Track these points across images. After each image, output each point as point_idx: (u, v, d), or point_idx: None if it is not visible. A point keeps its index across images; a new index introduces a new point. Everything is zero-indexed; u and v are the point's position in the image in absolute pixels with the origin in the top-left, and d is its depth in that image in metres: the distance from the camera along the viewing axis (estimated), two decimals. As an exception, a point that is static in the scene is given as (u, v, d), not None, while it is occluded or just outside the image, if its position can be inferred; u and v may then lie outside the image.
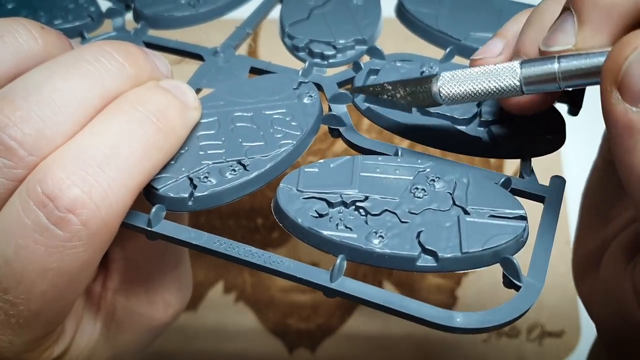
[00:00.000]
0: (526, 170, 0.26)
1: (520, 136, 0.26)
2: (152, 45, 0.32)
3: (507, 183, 0.25)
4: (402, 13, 0.33)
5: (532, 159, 0.26)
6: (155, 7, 0.33)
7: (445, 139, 0.27)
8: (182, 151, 0.25)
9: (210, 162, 0.25)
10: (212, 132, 0.26)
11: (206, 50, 0.31)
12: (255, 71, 0.30)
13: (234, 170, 0.24)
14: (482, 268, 0.22)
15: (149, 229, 0.23)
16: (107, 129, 0.23)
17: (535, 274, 0.22)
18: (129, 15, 0.34)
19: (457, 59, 0.31)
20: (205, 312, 0.48)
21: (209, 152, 0.25)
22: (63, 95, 0.23)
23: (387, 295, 0.22)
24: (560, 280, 0.48)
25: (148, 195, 0.24)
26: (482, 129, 0.27)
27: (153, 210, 0.23)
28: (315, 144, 0.29)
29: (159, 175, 0.24)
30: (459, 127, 0.27)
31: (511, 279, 0.22)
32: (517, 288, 0.22)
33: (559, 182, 0.25)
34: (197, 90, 0.29)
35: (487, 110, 0.27)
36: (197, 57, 0.31)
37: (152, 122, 0.23)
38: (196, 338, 0.47)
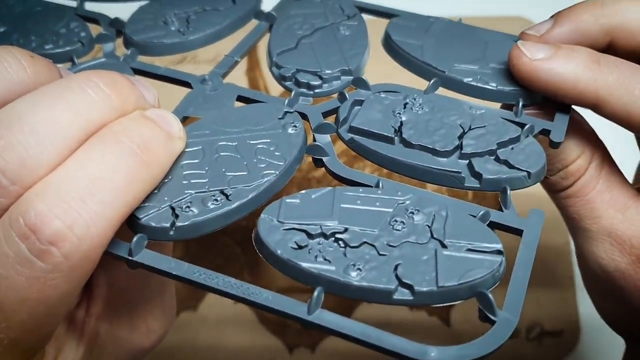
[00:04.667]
0: (505, 203, 0.26)
1: (501, 170, 0.26)
2: (140, 72, 0.32)
3: (485, 216, 0.25)
4: (388, 44, 0.34)
5: None
6: (145, 33, 0.34)
7: (426, 172, 0.27)
8: (166, 180, 0.25)
9: (193, 192, 0.25)
10: (196, 161, 0.26)
11: (194, 78, 0.32)
12: (242, 99, 0.31)
13: (217, 200, 0.25)
14: (459, 302, 0.23)
15: (130, 258, 0.24)
16: (90, 160, 0.23)
17: (511, 308, 0.22)
18: (120, 41, 0.35)
19: (442, 90, 0.31)
20: (206, 312, 0.49)
21: (192, 181, 0.25)
22: (47, 126, 0.23)
23: (364, 329, 0.22)
24: (559, 280, 0.50)
25: (130, 224, 0.24)
26: (462, 161, 0.27)
27: (134, 239, 0.24)
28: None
29: (142, 205, 0.24)
30: (440, 160, 0.27)
31: (486, 313, 0.22)
32: (492, 322, 0.22)
33: (537, 216, 0.25)
34: (184, 118, 0.29)
35: (469, 143, 0.27)
36: (185, 84, 0.32)
37: (136, 154, 0.24)
38: (196, 338, 0.48)
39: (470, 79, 0.31)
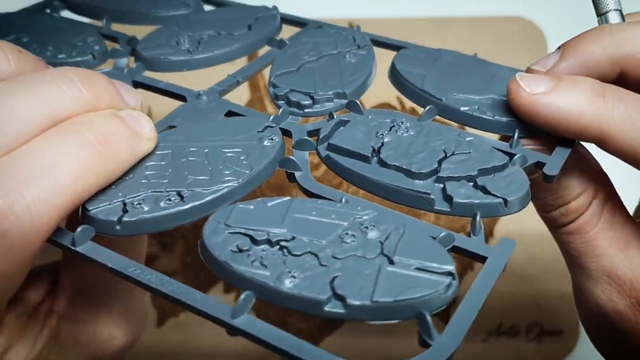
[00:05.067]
0: (474, 229, 0.24)
1: (474, 195, 0.25)
2: (141, 85, 0.33)
3: (447, 239, 0.23)
4: (393, 74, 0.33)
5: None
6: (154, 50, 0.34)
7: (395, 192, 0.25)
8: (127, 178, 0.25)
9: (149, 190, 0.25)
10: (162, 163, 0.26)
11: (190, 93, 0.32)
12: (232, 114, 0.31)
13: (170, 199, 0.24)
14: (399, 321, 0.21)
15: (72, 247, 0.23)
16: (44, 146, 0.23)
17: (452, 333, 0.20)
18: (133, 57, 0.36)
19: (439, 119, 0.30)
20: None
21: (152, 180, 0.25)
22: (10, 111, 0.23)
23: (292, 340, 0.20)
24: (558, 280, 0.50)
25: (81, 215, 0.24)
26: (438, 185, 0.25)
27: (79, 229, 0.24)
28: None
29: (95, 197, 0.24)
30: (414, 182, 0.26)
31: (422, 336, 0.20)
32: (427, 345, 0.20)
33: (506, 245, 0.23)
34: (170, 127, 0.30)
35: (448, 167, 0.26)
36: (181, 98, 0.32)
37: (93, 146, 0.24)
38: (196, 337, 0.47)
39: (466, 108, 0.29)
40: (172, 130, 0.28)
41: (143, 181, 0.25)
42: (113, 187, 0.25)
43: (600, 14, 0.30)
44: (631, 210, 0.32)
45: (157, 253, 0.47)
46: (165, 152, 0.27)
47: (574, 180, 0.29)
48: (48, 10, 0.40)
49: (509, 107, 0.29)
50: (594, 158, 0.30)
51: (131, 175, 0.25)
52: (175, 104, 0.31)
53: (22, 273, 0.23)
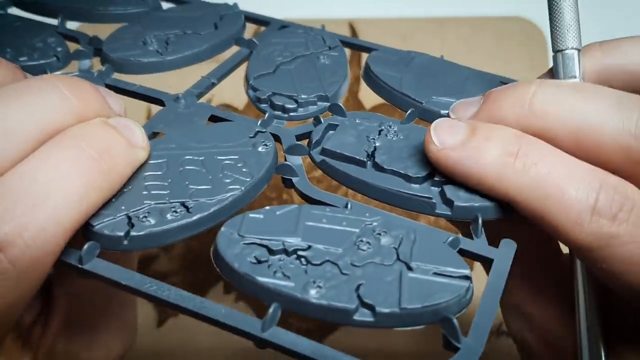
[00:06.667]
0: (476, 231, 0.25)
1: (473, 198, 0.26)
2: (114, 88, 0.32)
3: (455, 243, 0.24)
4: (368, 75, 0.33)
5: None
6: (122, 51, 0.33)
7: (396, 197, 0.26)
8: (125, 190, 0.24)
9: (152, 202, 0.24)
10: (159, 173, 0.25)
11: (167, 96, 0.31)
12: (215, 119, 0.30)
13: (176, 211, 0.24)
14: (422, 326, 0.22)
15: (80, 266, 0.22)
16: (45, 164, 0.22)
17: (476, 336, 0.21)
18: (97, 59, 0.34)
19: (419, 122, 0.31)
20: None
21: (152, 192, 0.25)
22: (0, 128, 0.22)
23: (320, 349, 0.21)
24: None
25: (84, 231, 0.23)
26: (435, 188, 0.26)
27: (85, 247, 0.23)
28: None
29: (98, 212, 0.23)
30: (412, 185, 0.26)
31: (450, 339, 0.21)
32: (456, 350, 0.21)
33: (508, 246, 0.24)
34: (153, 134, 0.29)
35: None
36: (158, 102, 0.31)
37: (94, 160, 0.23)
38: (196, 337, 0.47)
39: (446, 111, 0.30)
40: (162, 138, 0.28)
41: (144, 193, 0.24)
42: (113, 200, 0.24)
43: (557, 50, 0.28)
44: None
45: (157, 253, 0.46)
46: (160, 161, 0.26)
47: None
48: (-6, 7, 0.38)
49: None
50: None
51: (130, 187, 0.25)
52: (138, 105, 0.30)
53: (29, 299, 0.22)
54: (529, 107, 0.25)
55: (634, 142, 0.24)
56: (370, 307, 0.21)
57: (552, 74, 0.29)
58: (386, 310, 0.21)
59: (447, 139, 0.25)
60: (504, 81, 0.32)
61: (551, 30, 0.28)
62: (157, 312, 0.47)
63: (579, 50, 0.28)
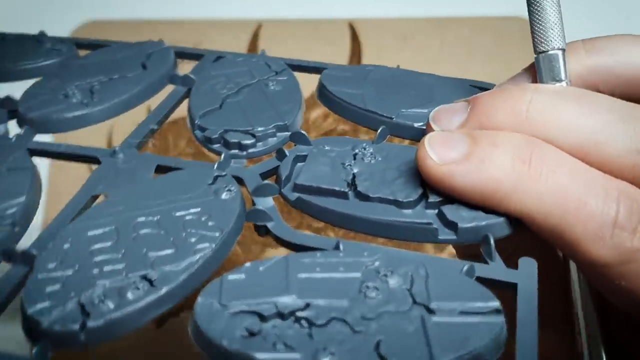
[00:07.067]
0: (489, 254, 0.22)
1: (478, 216, 0.22)
2: (38, 152, 0.27)
3: (471, 271, 0.21)
4: (324, 95, 0.30)
5: None
6: (41, 108, 0.29)
7: (391, 227, 0.22)
8: (70, 272, 0.20)
9: (107, 281, 0.20)
10: (109, 243, 0.21)
11: (102, 152, 0.27)
12: (163, 169, 0.26)
13: (137, 287, 0.20)
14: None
15: (30, 376, 0.18)
16: None
17: None
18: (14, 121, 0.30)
19: (391, 139, 0.27)
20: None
21: (105, 268, 0.20)
22: None
23: None
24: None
25: (29, 331, 0.19)
26: (431, 211, 0.23)
27: (34, 350, 0.18)
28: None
29: (42, 305, 0.19)
30: (405, 212, 0.23)
31: None
32: None
33: (528, 265, 0.21)
34: (94, 198, 0.24)
35: (434, 191, 0.23)
36: (93, 160, 0.27)
37: None
38: None
39: (421, 124, 0.27)
40: (105, 202, 0.23)
41: (95, 271, 0.20)
42: (57, 285, 0.20)
43: (540, 51, 0.25)
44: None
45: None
46: (107, 229, 0.22)
47: None
48: None
49: None
50: None
51: (76, 267, 0.20)
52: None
53: None
54: (527, 116, 0.23)
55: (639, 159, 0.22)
56: (398, 369, 0.17)
57: (528, 74, 0.26)
58: (418, 369, 0.17)
59: (447, 153, 0.22)
60: (474, 85, 0.30)
61: (532, 30, 0.25)
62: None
63: (563, 51, 0.25)
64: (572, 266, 0.28)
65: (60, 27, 0.65)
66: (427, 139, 0.23)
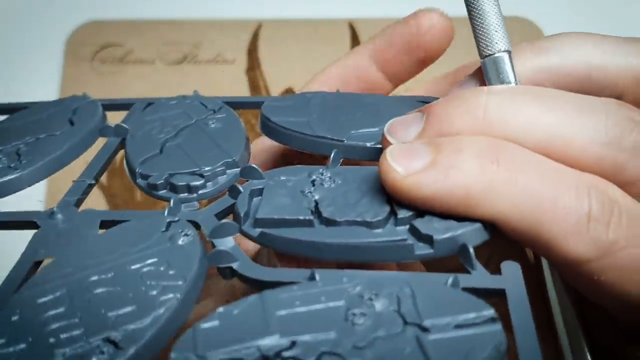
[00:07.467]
0: (469, 262, 0.21)
1: (451, 226, 0.21)
2: (-33, 223, 0.25)
3: (456, 283, 0.20)
4: (268, 127, 0.29)
5: None
6: (-36, 179, 0.26)
7: (364, 250, 0.21)
8: (24, 345, 0.18)
9: (66, 350, 0.18)
10: (62, 309, 0.19)
11: (39, 215, 0.24)
12: (107, 225, 0.24)
13: (102, 351, 0.17)
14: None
15: None
16: None
17: None
18: None
19: (345, 162, 0.26)
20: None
21: (62, 336, 0.18)
22: None
23: None
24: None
25: None
26: (401, 228, 0.22)
27: None
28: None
29: None
30: (376, 231, 0.21)
31: None
32: None
33: (513, 268, 0.20)
34: (36, 264, 0.22)
35: (401, 206, 0.22)
36: (30, 225, 0.24)
37: None
38: None
39: (373, 142, 0.26)
40: (49, 265, 0.21)
41: (50, 340, 0.18)
42: (10, 363, 0.17)
43: (485, 55, 0.25)
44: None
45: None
46: (58, 293, 0.20)
47: None
48: None
49: None
50: None
51: (30, 339, 0.18)
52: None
53: None
54: (484, 117, 0.22)
55: (604, 151, 0.21)
56: (405, 396, 0.16)
57: (475, 79, 0.26)
58: (425, 393, 0.16)
59: (411, 163, 0.21)
60: (422, 100, 0.29)
61: (475, 35, 0.25)
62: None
63: (509, 53, 0.25)
64: (546, 270, 0.27)
65: (60, 27, 0.63)
66: (388, 153, 0.22)
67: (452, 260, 0.22)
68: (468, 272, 0.20)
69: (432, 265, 0.28)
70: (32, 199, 0.26)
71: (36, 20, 0.64)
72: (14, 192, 0.26)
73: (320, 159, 0.30)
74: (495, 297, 0.20)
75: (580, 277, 0.21)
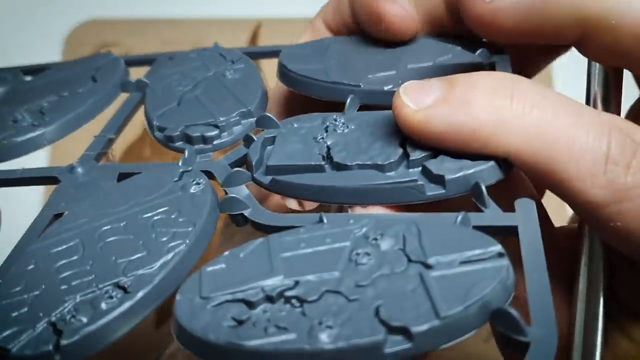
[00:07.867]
0: (482, 201, 0.20)
1: (464, 165, 0.21)
2: (-7, 181, 0.25)
3: (465, 220, 0.19)
4: (285, 75, 0.28)
5: None
6: (-11, 137, 0.27)
7: (375, 192, 0.21)
8: (37, 292, 0.18)
9: (77, 296, 0.18)
10: (75, 257, 0.20)
11: (60, 170, 0.25)
12: (125, 177, 0.24)
13: (111, 297, 0.18)
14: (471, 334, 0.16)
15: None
16: None
17: (541, 321, 0.16)
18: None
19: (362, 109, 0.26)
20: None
21: (73, 283, 0.19)
22: None
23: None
24: None
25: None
26: (414, 170, 0.21)
27: None
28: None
29: (9, 330, 0.17)
30: (388, 174, 0.21)
31: (512, 336, 0.16)
32: (524, 346, 0.16)
33: (526, 206, 0.20)
34: (57, 215, 0.23)
35: (415, 146, 0.22)
36: (51, 180, 0.25)
37: None
38: None
39: (390, 86, 0.26)
40: (65, 217, 0.22)
41: (62, 287, 0.18)
42: (25, 309, 0.18)
43: None
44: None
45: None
46: (71, 243, 0.20)
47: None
48: None
49: (435, 70, 0.26)
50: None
51: (42, 286, 0.19)
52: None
53: None
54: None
55: None
56: (402, 330, 0.16)
57: None
58: (423, 328, 0.16)
59: (423, 98, 0.21)
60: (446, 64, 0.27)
61: None
62: (155, 313, 0.42)
63: None
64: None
65: (60, 26, 0.64)
66: (402, 89, 0.21)
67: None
68: (480, 210, 0.20)
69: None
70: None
71: (35, 19, 0.64)
72: (38, 149, 0.27)
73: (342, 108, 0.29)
74: (507, 235, 0.19)
75: (598, 222, 0.20)
